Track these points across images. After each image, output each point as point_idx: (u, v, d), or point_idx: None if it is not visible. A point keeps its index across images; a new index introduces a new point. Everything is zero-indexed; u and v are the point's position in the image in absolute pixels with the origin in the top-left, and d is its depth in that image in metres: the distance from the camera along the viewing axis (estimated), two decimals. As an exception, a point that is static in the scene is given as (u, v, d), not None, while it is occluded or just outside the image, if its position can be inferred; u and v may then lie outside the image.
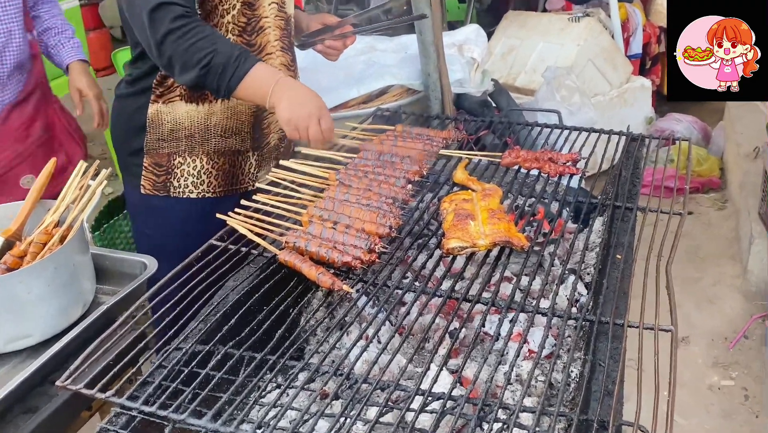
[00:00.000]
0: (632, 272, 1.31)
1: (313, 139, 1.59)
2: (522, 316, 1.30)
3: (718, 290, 3.40)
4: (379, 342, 1.38)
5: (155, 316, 1.19)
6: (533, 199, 1.60)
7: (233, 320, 1.19)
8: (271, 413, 1.04)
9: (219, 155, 1.85)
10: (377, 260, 1.32)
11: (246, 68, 1.56)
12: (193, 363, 1.12)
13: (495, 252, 1.37)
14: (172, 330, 1.17)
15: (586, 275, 1.62)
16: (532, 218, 1.57)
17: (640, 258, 1.34)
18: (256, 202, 1.52)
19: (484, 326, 1.35)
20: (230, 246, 1.41)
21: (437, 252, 1.41)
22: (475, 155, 1.76)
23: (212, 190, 1.86)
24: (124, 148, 1.87)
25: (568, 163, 1.68)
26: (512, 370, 1.08)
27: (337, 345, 1.42)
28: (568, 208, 1.75)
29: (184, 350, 1.14)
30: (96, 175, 1.49)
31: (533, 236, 1.46)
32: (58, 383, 1.07)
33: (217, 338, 1.17)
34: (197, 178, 1.84)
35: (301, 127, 1.58)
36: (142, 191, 1.85)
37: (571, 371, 1.25)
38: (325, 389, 1.13)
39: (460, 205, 1.45)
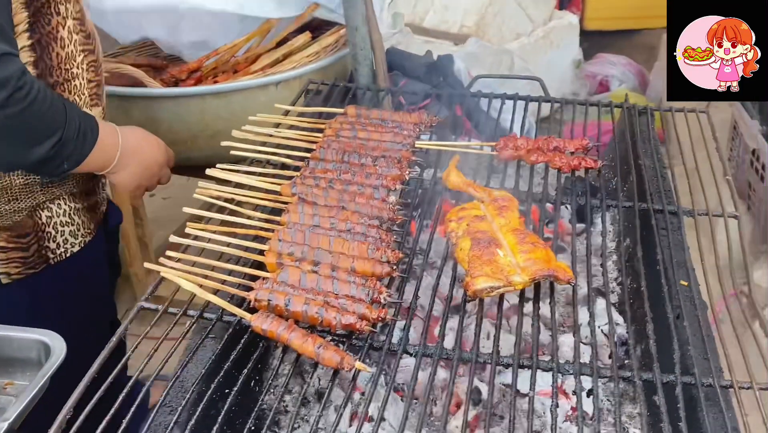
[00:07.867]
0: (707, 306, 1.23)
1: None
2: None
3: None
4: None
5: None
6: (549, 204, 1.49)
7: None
8: None
9: (76, 182, 1.58)
10: (386, 316, 1.15)
11: (96, 132, 1.43)
12: None
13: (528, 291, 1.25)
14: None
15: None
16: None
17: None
18: (187, 236, 1.30)
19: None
20: (171, 309, 1.18)
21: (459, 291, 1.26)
22: (455, 147, 1.62)
23: (90, 231, 1.62)
24: None
25: (577, 153, 1.58)
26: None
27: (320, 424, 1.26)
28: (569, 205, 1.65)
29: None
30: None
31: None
32: None
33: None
34: (71, 225, 1.57)
35: (150, 185, 1.63)
36: (5, 281, 1.52)
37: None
38: None
39: (474, 226, 1.31)
